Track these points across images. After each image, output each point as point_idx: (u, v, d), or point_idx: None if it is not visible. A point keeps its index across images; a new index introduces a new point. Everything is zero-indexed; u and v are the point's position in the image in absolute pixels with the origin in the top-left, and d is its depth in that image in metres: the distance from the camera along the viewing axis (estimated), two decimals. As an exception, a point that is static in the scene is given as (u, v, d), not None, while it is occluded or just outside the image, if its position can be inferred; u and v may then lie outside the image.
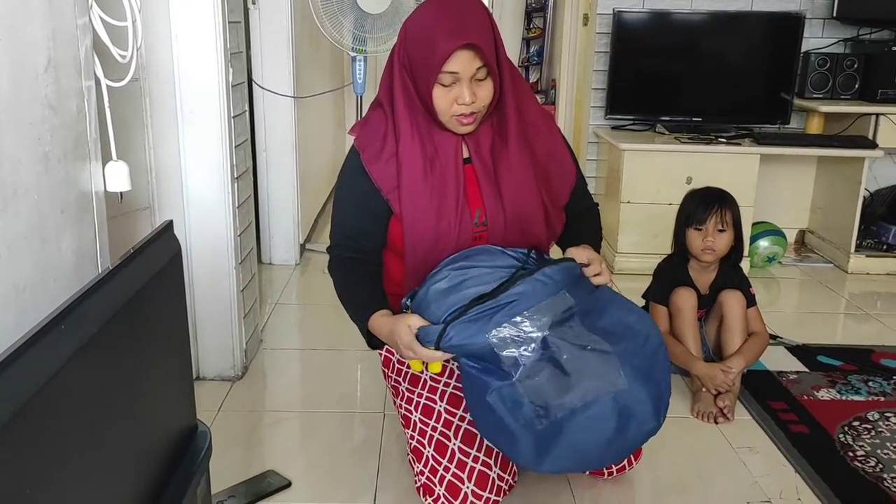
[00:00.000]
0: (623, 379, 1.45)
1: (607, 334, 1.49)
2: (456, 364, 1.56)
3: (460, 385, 1.56)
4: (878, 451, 1.90)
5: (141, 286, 1.00)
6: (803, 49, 3.39)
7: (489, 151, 1.62)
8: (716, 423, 2.05)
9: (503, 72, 1.56)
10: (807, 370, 2.37)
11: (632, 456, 1.74)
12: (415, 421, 1.66)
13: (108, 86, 1.44)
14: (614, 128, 3.52)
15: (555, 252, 1.76)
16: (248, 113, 2.39)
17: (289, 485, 1.74)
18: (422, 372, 1.66)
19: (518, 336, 1.42)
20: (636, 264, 3.15)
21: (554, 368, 1.44)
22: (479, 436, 1.57)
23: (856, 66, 3.34)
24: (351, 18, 3.18)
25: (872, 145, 3.23)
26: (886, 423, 2.04)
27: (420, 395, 1.67)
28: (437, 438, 1.61)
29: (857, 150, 3.23)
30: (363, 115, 1.97)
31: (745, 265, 2.77)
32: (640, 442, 1.56)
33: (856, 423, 2.04)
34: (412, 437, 1.66)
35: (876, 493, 1.74)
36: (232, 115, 2.12)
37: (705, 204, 2.21)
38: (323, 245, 1.76)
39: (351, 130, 1.67)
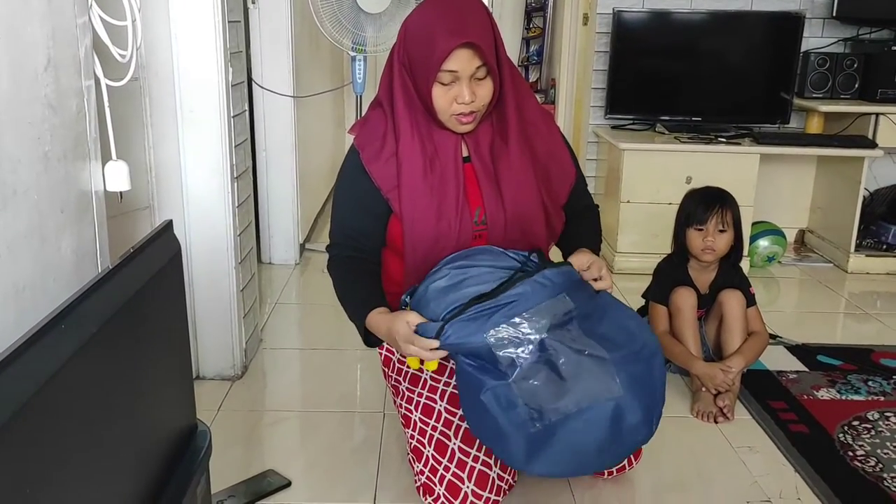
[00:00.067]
0: (618, 386, 1.46)
1: (605, 340, 1.49)
2: (454, 363, 1.56)
3: (460, 384, 1.56)
4: (878, 451, 1.90)
5: (141, 286, 1.00)
6: (803, 49, 3.39)
7: (489, 150, 1.62)
8: (715, 422, 2.05)
9: (503, 71, 1.56)
10: (806, 370, 2.37)
11: (632, 456, 1.74)
12: (415, 420, 1.65)
13: (107, 85, 1.44)
14: (614, 127, 3.52)
15: (554, 253, 1.77)
16: (247, 112, 2.39)
17: (289, 484, 1.74)
18: (419, 370, 1.66)
19: (516, 337, 1.42)
20: (636, 264, 3.15)
21: (550, 372, 1.44)
22: (478, 435, 1.58)
23: (855, 65, 3.34)
24: (351, 18, 3.17)
25: (872, 145, 3.23)
26: (886, 422, 2.04)
27: (420, 395, 1.67)
28: (438, 438, 1.61)
29: (856, 150, 3.23)
30: (363, 114, 1.97)
31: (744, 265, 2.77)
32: (631, 450, 1.58)
33: (855, 423, 2.04)
34: (412, 437, 1.66)
35: (876, 492, 1.74)
36: (232, 114, 2.12)
37: (706, 204, 2.21)
38: (322, 244, 1.75)
39: (351, 130, 1.67)
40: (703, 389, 2.12)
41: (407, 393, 1.71)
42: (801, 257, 3.57)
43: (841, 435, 1.98)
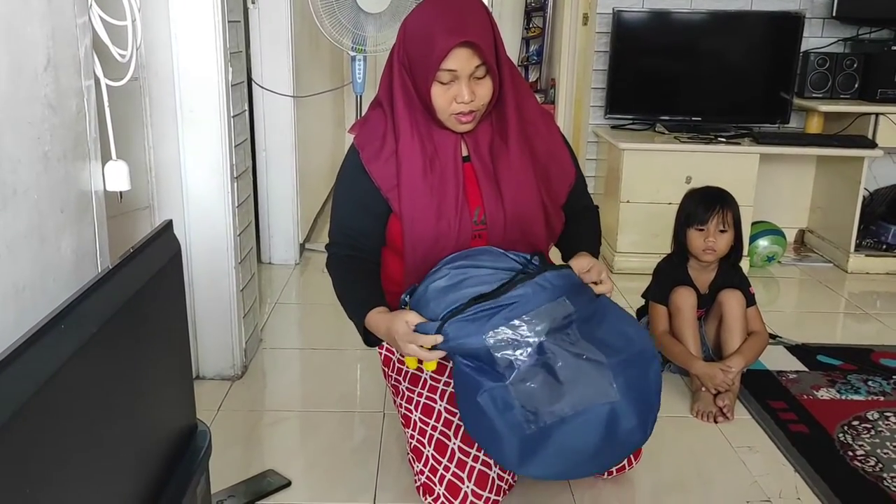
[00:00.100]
0: (615, 391, 1.46)
1: (603, 344, 1.50)
2: (452, 362, 1.56)
3: (460, 384, 1.56)
4: (878, 451, 1.90)
5: (141, 286, 1.00)
6: (803, 48, 3.39)
7: (488, 150, 1.62)
8: (715, 422, 2.05)
9: (503, 70, 1.56)
10: (806, 370, 2.37)
11: (632, 456, 1.74)
12: (415, 420, 1.65)
13: (107, 85, 1.44)
14: (614, 127, 3.52)
15: (554, 254, 1.77)
16: (247, 112, 2.39)
17: (288, 484, 1.74)
18: (418, 369, 1.66)
19: (515, 339, 1.43)
20: (636, 264, 3.15)
21: (547, 375, 1.44)
22: (478, 435, 1.58)
23: (855, 65, 3.34)
24: (350, 18, 3.17)
25: (872, 145, 3.23)
26: (886, 422, 2.04)
27: (420, 395, 1.67)
28: (438, 438, 1.61)
29: (856, 150, 3.23)
30: (363, 114, 1.97)
31: (744, 265, 2.77)
32: (625, 454, 1.59)
33: (855, 423, 2.04)
34: (412, 437, 1.66)
35: (875, 492, 1.74)
36: (231, 114, 2.12)
37: (707, 204, 2.21)
38: (322, 244, 1.76)
39: (351, 129, 1.68)
40: (703, 389, 2.12)
41: (407, 393, 1.71)
42: (801, 257, 3.57)
43: (841, 435, 1.98)
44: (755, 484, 1.79)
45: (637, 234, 3.22)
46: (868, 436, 1.98)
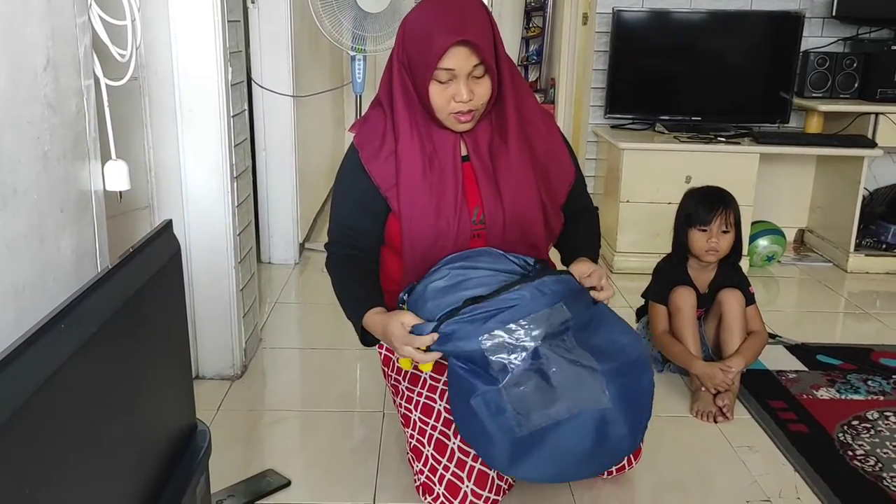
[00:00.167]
0: (607, 398, 1.47)
1: (598, 352, 1.50)
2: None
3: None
4: (878, 451, 1.90)
5: (140, 285, 1.00)
6: (802, 48, 3.39)
7: (487, 149, 1.62)
8: (715, 422, 2.05)
9: (502, 70, 1.56)
10: (806, 369, 2.37)
11: (631, 455, 1.74)
12: (414, 420, 1.65)
13: (107, 85, 1.44)
14: (614, 127, 3.52)
15: (553, 254, 1.77)
16: (247, 112, 2.39)
17: (288, 484, 1.74)
18: (416, 369, 1.66)
19: (510, 343, 1.43)
20: (635, 263, 3.15)
21: (541, 380, 1.44)
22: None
23: (855, 65, 3.34)
24: (350, 17, 3.17)
25: (872, 144, 3.23)
26: (886, 422, 2.04)
27: (420, 394, 1.67)
28: (437, 437, 1.61)
29: (856, 150, 3.23)
30: (363, 114, 1.97)
31: (744, 264, 2.77)
32: (614, 461, 1.60)
33: (855, 423, 2.04)
34: (412, 436, 1.66)
35: (875, 492, 1.74)
36: (231, 114, 2.12)
37: (709, 205, 2.20)
38: (322, 244, 1.76)
39: (351, 128, 1.68)
40: (703, 389, 2.12)
41: (406, 392, 1.71)
42: (801, 257, 3.57)
43: (840, 434, 1.98)
44: (755, 483, 1.79)
45: (637, 234, 3.22)
46: (868, 435, 1.98)
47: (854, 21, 3.45)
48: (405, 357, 1.48)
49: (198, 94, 2.03)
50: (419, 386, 1.68)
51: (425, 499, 1.60)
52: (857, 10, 3.36)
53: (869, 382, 2.27)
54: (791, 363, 2.41)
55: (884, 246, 3.40)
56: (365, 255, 1.66)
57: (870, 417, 2.07)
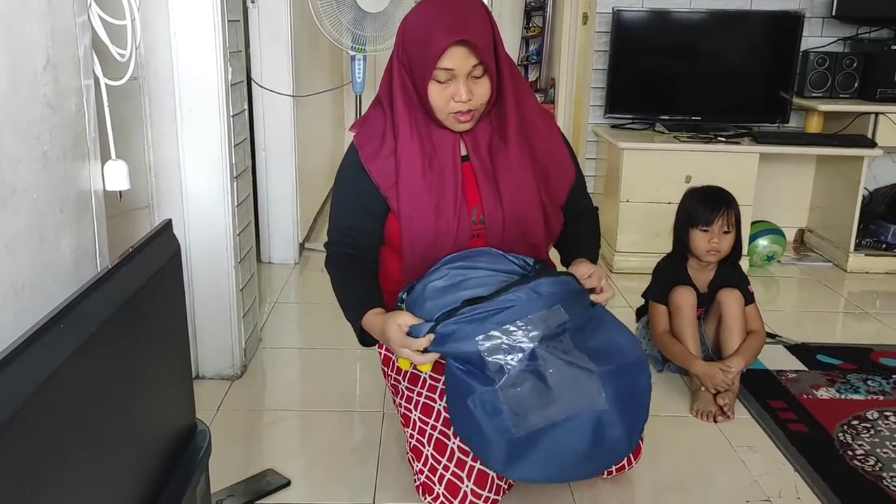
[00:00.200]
0: (603, 399, 1.47)
1: (595, 354, 1.50)
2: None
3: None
4: (878, 450, 1.90)
5: (140, 285, 1.00)
6: (802, 48, 3.39)
7: (487, 149, 1.62)
8: (715, 421, 2.05)
9: (502, 70, 1.56)
10: (806, 369, 2.37)
11: (631, 455, 1.74)
12: (414, 420, 1.65)
13: (107, 84, 1.44)
14: (614, 126, 3.52)
15: (553, 255, 1.77)
16: (247, 112, 2.39)
17: (288, 484, 1.74)
18: (414, 369, 1.67)
19: (507, 344, 1.43)
20: (635, 263, 3.15)
21: (537, 381, 1.45)
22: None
23: (855, 64, 3.34)
24: (350, 17, 3.17)
25: (871, 144, 3.23)
26: (885, 422, 2.04)
27: (420, 394, 1.67)
28: (437, 437, 1.61)
29: (856, 149, 3.23)
30: (362, 113, 1.97)
31: (744, 264, 2.77)
32: (610, 463, 1.61)
33: (855, 422, 2.04)
34: (412, 436, 1.66)
35: (875, 491, 1.74)
36: (231, 113, 2.12)
37: (711, 205, 2.19)
38: (322, 244, 1.76)
39: (351, 127, 1.68)
40: (703, 388, 2.12)
41: (406, 392, 1.71)
42: (801, 256, 3.57)
43: (840, 434, 1.98)
44: (755, 483, 1.79)
45: (637, 234, 3.22)
46: (867, 435, 1.98)
47: (854, 21, 3.45)
48: (403, 358, 1.48)
49: (198, 94, 2.03)
50: (419, 386, 1.68)
51: (425, 498, 1.60)
52: (856, 10, 3.36)
53: (869, 382, 2.27)
54: (791, 363, 2.41)
55: (884, 246, 3.40)
56: (364, 254, 1.66)
57: (870, 417, 2.07)
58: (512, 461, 1.45)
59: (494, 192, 1.60)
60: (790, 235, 3.69)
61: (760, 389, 2.20)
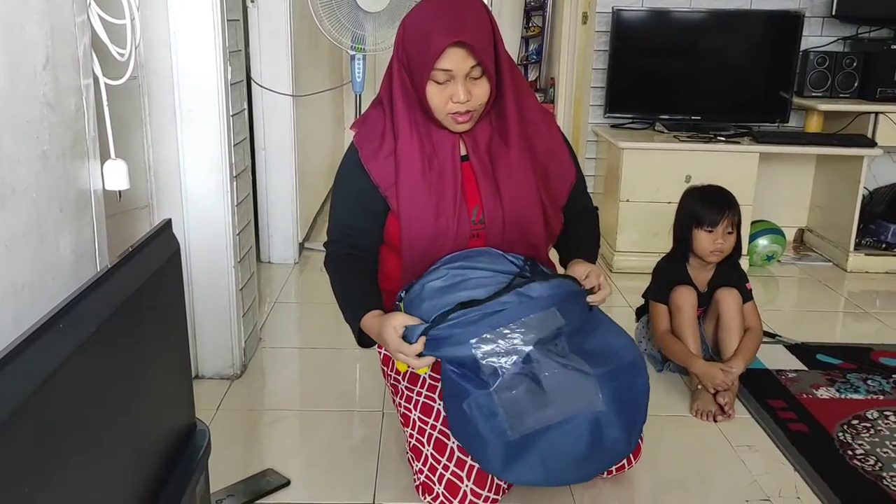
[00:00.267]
0: (601, 401, 1.47)
1: (592, 356, 1.50)
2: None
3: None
4: (878, 450, 1.90)
5: (140, 285, 1.00)
6: (802, 47, 3.39)
7: (486, 149, 1.62)
8: (715, 421, 2.05)
9: (502, 70, 1.56)
10: (806, 369, 2.37)
11: (631, 455, 1.74)
12: (414, 419, 1.65)
13: (106, 84, 1.44)
14: (613, 126, 3.52)
15: (552, 255, 1.76)
16: (246, 111, 2.39)
17: (288, 483, 1.74)
18: (413, 369, 1.67)
19: (502, 347, 1.43)
20: (635, 263, 3.15)
21: (532, 383, 1.45)
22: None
23: (855, 64, 3.34)
24: (350, 17, 3.17)
25: (871, 144, 3.23)
26: (885, 421, 2.04)
27: (419, 394, 1.67)
28: (437, 437, 1.61)
29: (856, 149, 3.23)
30: (362, 113, 1.97)
31: (744, 263, 2.77)
32: (608, 464, 1.60)
33: (855, 422, 2.04)
34: (411, 436, 1.66)
35: (875, 491, 1.74)
36: (231, 113, 2.12)
37: (715, 206, 2.19)
38: (322, 243, 1.76)
39: (351, 127, 1.68)
40: (702, 388, 2.12)
41: (406, 392, 1.71)
42: (801, 256, 3.57)
43: (840, 434, 1.98)
44: (755, 483, 1.79)
45: (636, 234, 3.22)
46: (867, 435, 1.98)
47: (854, 20, 3.45)
48: (401, 362, 1.48)
49: (197, 94, 2.03)
50: (418, 385, 1.68)
51: (425, 498, 1.60)
52: (856, 10, 3.36)
53: (869, 382, 2.27)
54: (791, 362, 2.41)
55: (883, 245, 3.40)
56: (364, 254, 1.66)
57: (869, 417, 2.07)
58: (509, 463, 1.45)
59: (494, 192, 1.60)
60: (790, 235, 3.69)
61: (760, 389, 2.20)
